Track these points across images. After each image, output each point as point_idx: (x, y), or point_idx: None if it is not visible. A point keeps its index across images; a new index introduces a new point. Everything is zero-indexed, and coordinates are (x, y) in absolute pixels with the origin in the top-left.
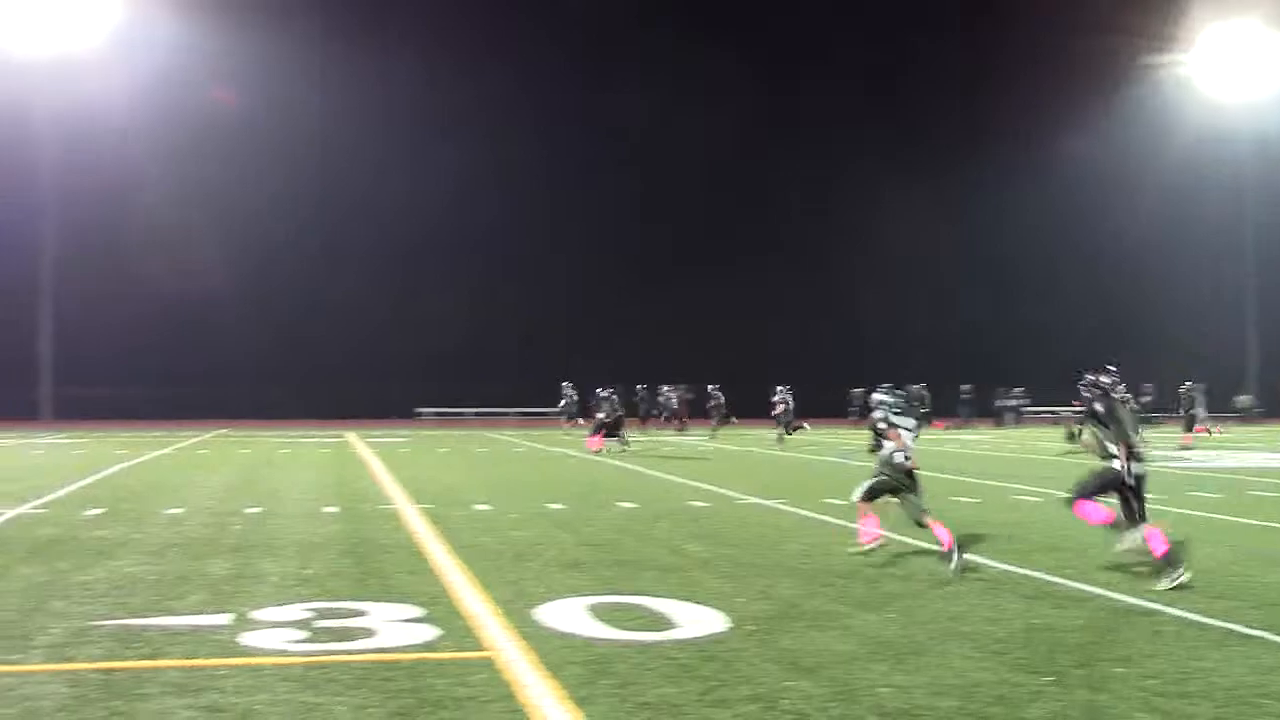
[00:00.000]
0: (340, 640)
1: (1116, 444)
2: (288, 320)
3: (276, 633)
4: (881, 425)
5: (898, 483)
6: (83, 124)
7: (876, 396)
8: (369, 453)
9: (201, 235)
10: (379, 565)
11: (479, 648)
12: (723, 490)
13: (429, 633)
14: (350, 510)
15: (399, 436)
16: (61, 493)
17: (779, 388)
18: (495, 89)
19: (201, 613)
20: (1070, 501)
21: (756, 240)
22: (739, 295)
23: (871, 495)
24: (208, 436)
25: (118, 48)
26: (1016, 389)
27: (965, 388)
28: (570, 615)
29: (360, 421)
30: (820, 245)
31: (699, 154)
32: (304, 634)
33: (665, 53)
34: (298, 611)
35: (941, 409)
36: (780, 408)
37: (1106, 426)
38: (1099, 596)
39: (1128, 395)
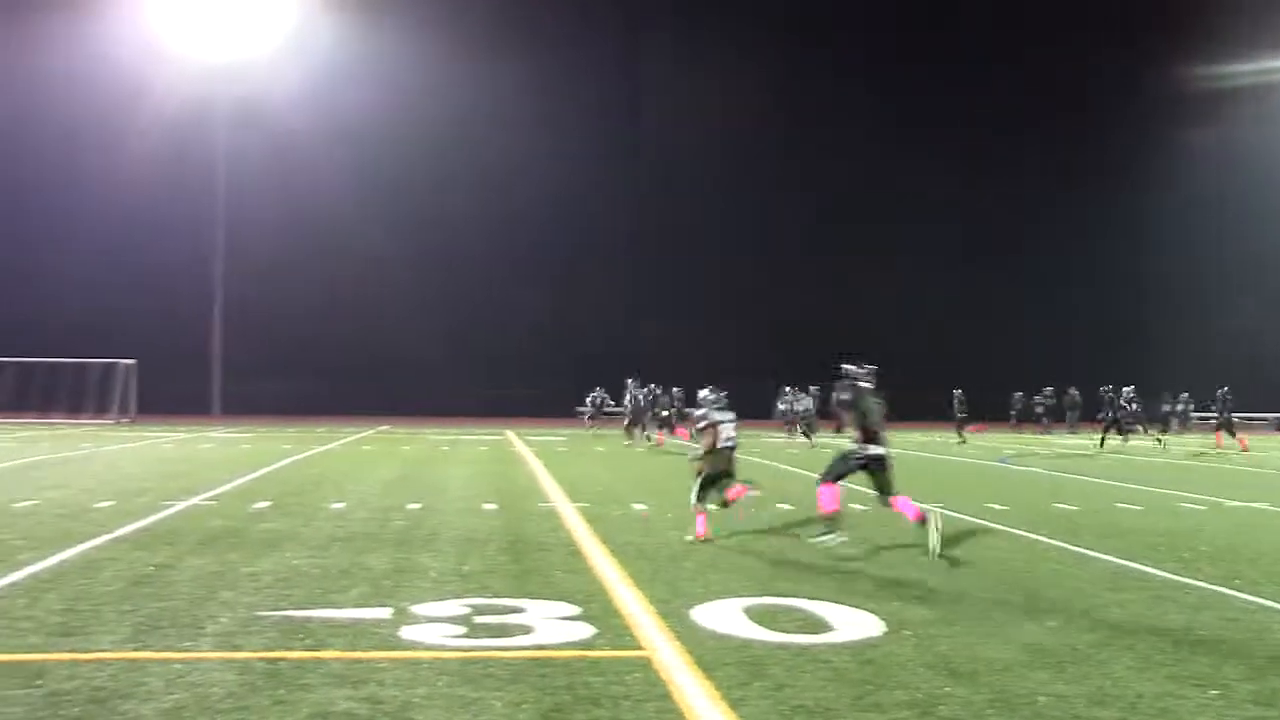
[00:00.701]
0: (497, 636)
1: (856, 428)
2: (452, 318)
3: (435, 627)
4: (702, 423)
5: (720, 470)
6: (257, 125)
7: (702, 394)
8: (527, 451)
9: (369, 234)
10: (536, 563)
11: (635, 646)
12: None
13: (585, 631)
14: (508, 508)
15: (557, 435)
16: (230, 486)
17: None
18: (685, 92)
19: (363, 606)
20: (818, 483)
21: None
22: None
23: (704, 490)
24: (370, 432)
25: (290, 50)
26: (1183, 394)
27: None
28: (726, 616)
29: (519, 420)
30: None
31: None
32: (462, 629)
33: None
34: (456, 607)
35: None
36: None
37: (851, 413)
38: (1268, 609)
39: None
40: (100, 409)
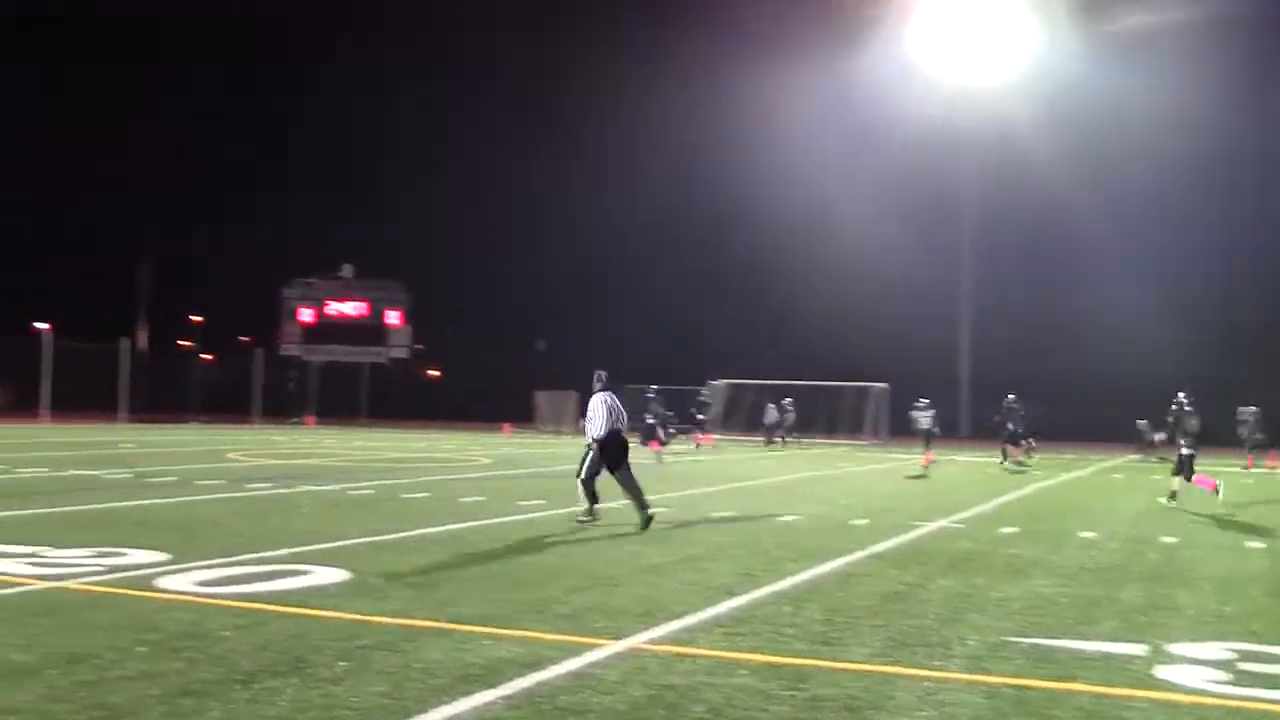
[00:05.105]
0: (1268, 687)
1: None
2: (1200, 337)
3: (1194, 670)
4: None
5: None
6: (1001, 150)
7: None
8: None
9: (1111, 260)
10: None
11: None
12: None
13: None
14: (1277, 548)
15: None
16: (977, 510)
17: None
18: None
19: (1114, 640)
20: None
21: None
22: None
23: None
24: (1120, 460)
25: (1036, 76)
26: None
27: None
28: None
29: None
30: None
31: None
32: (1225, 675)
33: None
34: (1217, 650)
35: None
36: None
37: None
38: None
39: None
40: (854, 430)
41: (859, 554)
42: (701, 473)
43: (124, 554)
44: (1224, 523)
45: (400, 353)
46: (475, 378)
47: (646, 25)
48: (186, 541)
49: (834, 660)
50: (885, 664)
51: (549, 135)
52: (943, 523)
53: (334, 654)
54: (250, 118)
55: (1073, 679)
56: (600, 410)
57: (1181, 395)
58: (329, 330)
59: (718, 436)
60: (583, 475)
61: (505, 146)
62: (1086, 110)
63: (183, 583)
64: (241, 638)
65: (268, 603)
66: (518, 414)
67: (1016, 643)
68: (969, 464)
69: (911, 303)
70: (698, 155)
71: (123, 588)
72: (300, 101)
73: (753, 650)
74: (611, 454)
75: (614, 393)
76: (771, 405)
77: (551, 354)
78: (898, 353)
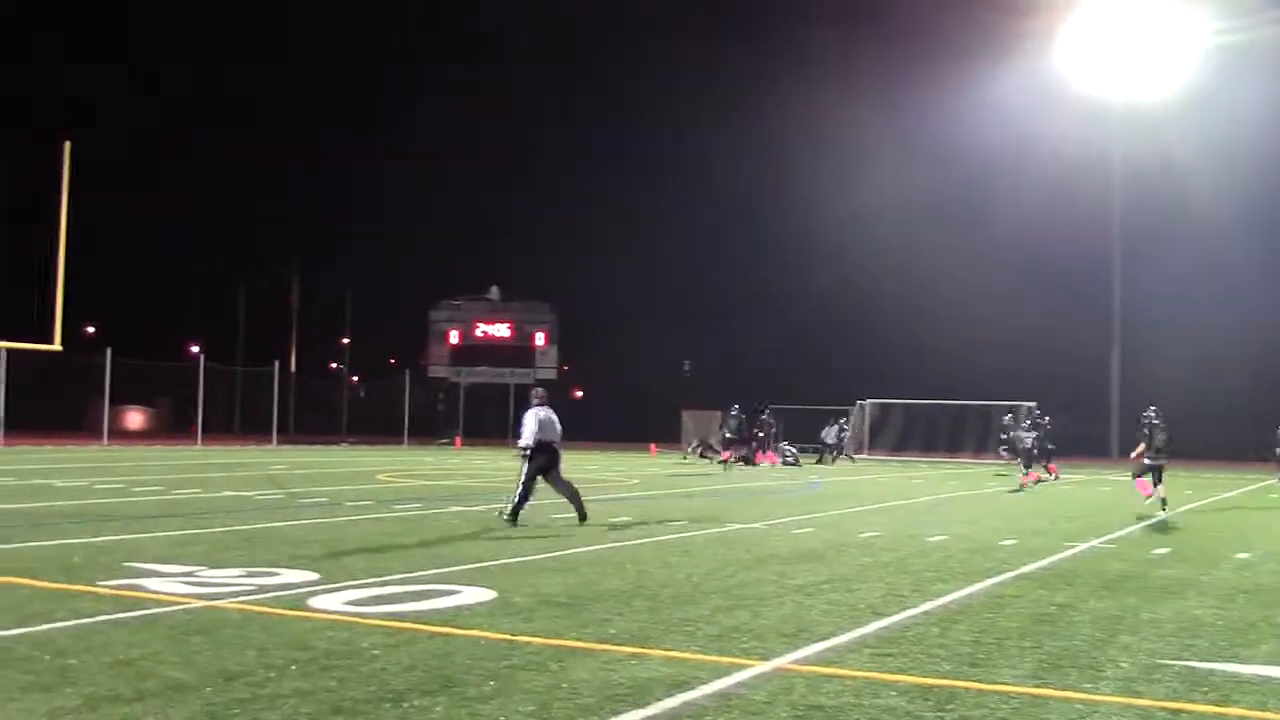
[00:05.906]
0: None
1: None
2: None
3: None
4: None
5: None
6: (1151, 168)
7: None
8: None
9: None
10: None
11: None
12: None
13: None
14: None
15: None
16: (1128, 530)
17: None
18: None
19: (1272, 663)
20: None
21: None
22: None
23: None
24: (1274, 480)
25: (1188, 101)
26: None
27: None
28: None
29: None
30: None
31: None
32: None
33: None
34: None
35: None
36: None
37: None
38: None
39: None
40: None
41: (1007, 574)
42: (848, 492)
43: (276, 574)
44: None
45: (546, 374)
46: (620, 398)
47: (798, 50)
48: (337, 561)
49: (983, 682)
50: (1035, 686)
51: (695, 160)
52: (1093, 543)
53: (482, 673)
54: (395, 143)
55: (1228, 703)
56: (531, 423)
57: (1151, 410)
58: (475, 352)
59: (864, 455)
60: (522, 479)
61: (651, 171)
62: (1237, 125)
63: (333, 602)
64: (391, 657)
65: (416, 622)
66: (663, 434)
67: (1170, 665)
68: (1120, 484)
69: (1061, 321)
70: (848, 177)
71: (275, 607)
72: (446, 126)
73: (900, 671)
74: (542, 461)
75: (551, 408)
76: (832, 425)
77: (698, 375)
78: (1048, 371)
